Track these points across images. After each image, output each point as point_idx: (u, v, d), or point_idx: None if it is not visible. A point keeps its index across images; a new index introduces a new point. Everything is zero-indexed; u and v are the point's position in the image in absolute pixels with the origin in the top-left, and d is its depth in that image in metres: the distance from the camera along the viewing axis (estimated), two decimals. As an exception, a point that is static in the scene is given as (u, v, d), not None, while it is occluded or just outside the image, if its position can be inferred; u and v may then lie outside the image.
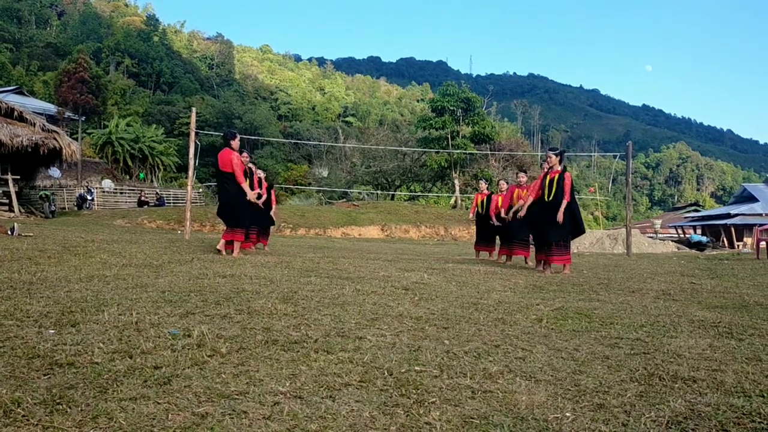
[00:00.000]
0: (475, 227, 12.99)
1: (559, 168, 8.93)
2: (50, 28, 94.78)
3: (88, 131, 48.81)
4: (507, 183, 11.68)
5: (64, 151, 22.70)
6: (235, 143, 9.44)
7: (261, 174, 11.91)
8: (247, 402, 2.37)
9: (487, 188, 12.22)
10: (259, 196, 10.49)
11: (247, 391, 2.50)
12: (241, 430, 2.10)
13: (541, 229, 9.01)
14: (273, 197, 12.45)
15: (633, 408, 2.47)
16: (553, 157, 8.97)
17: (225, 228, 9.60)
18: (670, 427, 2.27)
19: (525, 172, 11.55)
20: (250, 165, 10.95)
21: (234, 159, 9.30)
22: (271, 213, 12.23)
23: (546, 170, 9.09)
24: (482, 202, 12.07)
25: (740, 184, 71.91)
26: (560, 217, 8.59)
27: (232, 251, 9.66)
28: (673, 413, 2.41)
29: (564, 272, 8.71)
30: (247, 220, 9.54)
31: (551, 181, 8.86)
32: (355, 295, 5.36)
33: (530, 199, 9.32)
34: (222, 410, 2.27)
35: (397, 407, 2.40)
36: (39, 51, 74.45)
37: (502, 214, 11.15)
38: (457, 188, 45.43)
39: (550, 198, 8.81)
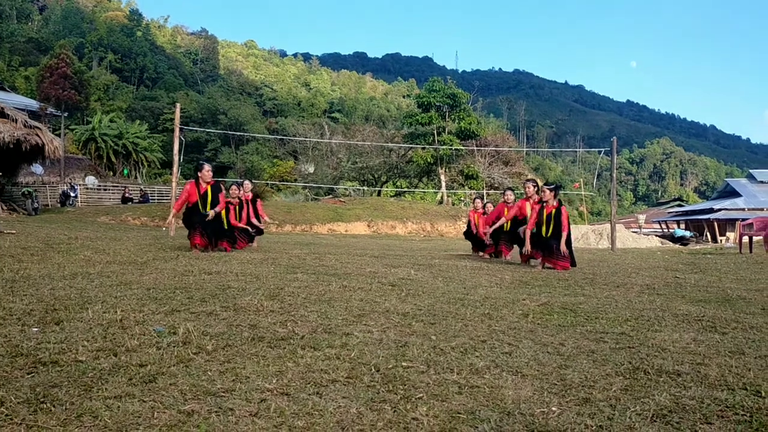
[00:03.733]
0: (466, 236, 13.14)
1: (555, 203, 9.04)
2: (32, 23, 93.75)
3: (70, 127, 48.38)
4: (514, 194, 11.68)
5: (46, 147, 22.50)
6: (202, 173, 9.48)
7: (247, 189, 11.64)
8: (234, 399, 2.36)
9: (483, 207, 12.26)
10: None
11: (234, 389, 2.49)
12: (228, 427, 2.09)
13: (540, 243, 9.14)
14: (259, 209, 12.08)
15: (618, 402, 2.49)
16: (548, 192, 9.08)
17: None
18: (655, 421, 2.29)
19: (512, 190, 11.61)
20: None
21: (188, 192, 9.49)
22: (261, 222, 12.06)
23: (540, 203, 9.22)
24: (477, 219, 12.17)
25: (723, 179, 72.66)
26: (563, 248, 8.81)
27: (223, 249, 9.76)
28: (658, 407, 2.43)
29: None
30: (200, 225, 9.40)
31: (549, 216, 8.99)
32: (342, 292, 5.36)
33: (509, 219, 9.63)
34: (208, 408, 2.26)
35: (384, 403, 2.40)
36: (20, 46, 73.62)
37: (482, 230, 11.44)
38: (444, 184, 45.53)
39: (548, 234, 8.94)
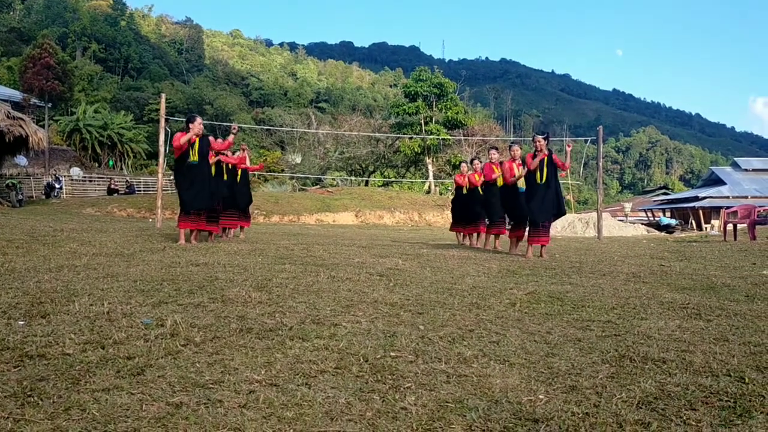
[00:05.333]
0: (451, 209, 13.09)
1: (546, 151, 9.07)
2: (13, 13, 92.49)
3: (55, 118, 47.85)
4: (481, 162, 11.80)
5: (30, 138, 22.30)
6: (194, 125, 9.19)
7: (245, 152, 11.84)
8: (222, 391, 2.37)
9: (468, 171, 12.17)
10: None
11: (222, 380, 2.49)
12: (217, 419, 2.09)
13: (530, 210, 9.13)
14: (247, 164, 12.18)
15: (605, 389, 2.52)
16: (542, 140, 9.13)
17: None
18: (641, 407, 2.31)
19: (496, 149, 11.61)
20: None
21: (176, 137, 9.20)
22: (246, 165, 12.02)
23: (532, 154, 9.20)
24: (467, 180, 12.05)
25: (708, 168, 73.17)
26: (568, 161, 9.12)
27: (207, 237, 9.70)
28: (644, 393, 2.46)
29: (542, 257, 8.81)
30: (195, 205, 9.17)
31: (541, 163, 8.99)
32: (330, 282, 5.36)
33: (519, 174, 9.53)
34: (197, 399, 2.25)
35: (373, 393, 2.41)
36: (2, 36, 72.55)
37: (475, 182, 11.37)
38: (431, 174, 45.57)
39: (542, 180, 8.95)
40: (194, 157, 9.13)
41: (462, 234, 12.51)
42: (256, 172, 23.89)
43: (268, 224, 23.92)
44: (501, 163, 10.61)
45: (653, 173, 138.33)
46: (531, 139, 9.59)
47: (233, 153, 11.42)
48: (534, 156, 9.11)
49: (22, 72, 43.04)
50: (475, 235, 11.84)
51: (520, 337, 3.45)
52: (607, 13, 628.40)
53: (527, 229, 9.38)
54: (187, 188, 9.20)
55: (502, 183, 10.40)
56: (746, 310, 4.41)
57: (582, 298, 4.87)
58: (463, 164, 12.72)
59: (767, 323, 3.92)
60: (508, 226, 10.66)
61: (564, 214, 9.82)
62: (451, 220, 13.30)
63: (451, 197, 13.03)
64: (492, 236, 11.23)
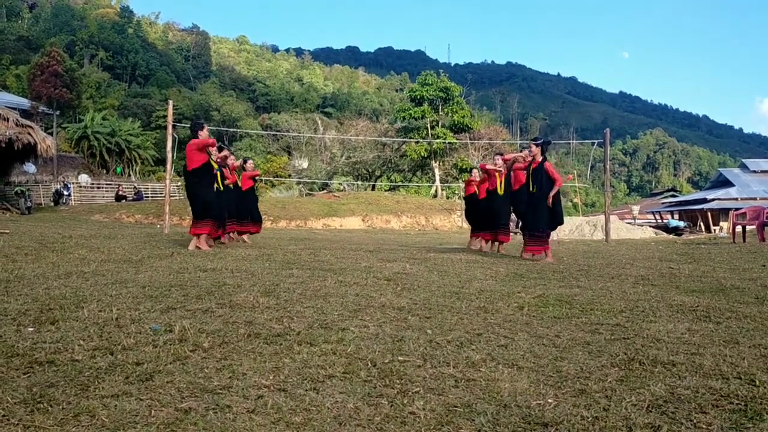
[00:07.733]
0: (466, 217, 13.05)
1: (540, 159, 9.02)
2: (22, 21, 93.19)
3: (63, 125, 48.13)
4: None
5: (39, 146, 22.43)
6: (203, 133, 9.28)
7: (249, 165, 12.05)
8: (231, 396, 2.37)
9: (479, 176, 12.11)
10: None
11: (231, 386, 2.49)
12: (225, 424, 2.09)
13: (524, 219, 9.19)
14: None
15: (614, 393, 2.51)
16: (534, 147, 9.06)
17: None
18: (651, 411, 2.30)
19: (501, 155, 11.53)
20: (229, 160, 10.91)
21: (188, 147, 9.21)
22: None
23: (529, 161, 9.18)
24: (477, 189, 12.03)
25: (716, 169, 72.86)
26: (549, 200, 8.81)
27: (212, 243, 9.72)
28: (654, 397, 2.45)
29: (546, 260, 8.77)
30: (214, 212, 9.30)
31: (534, 171, 8.95)
32: (338, 287, 5.36)
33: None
34: (205, 405, 2.26)
35: (381, 398, 2.41)
36: (11, 44, 73.08)
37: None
38: (438, 178, 45.56)
39: (534, 190, 8.91)
40: (216, 166, 9.48)
41: (478, 239, 12.35)
42: (260, 178, 23.99)
43: (276, 229, 23.94)
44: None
45: (661, 175, 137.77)
46: (528, 144, 9.54)
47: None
48: (529, 164, 9.11)
49: (31, 80, 43.31)
50: (486, 241, 11.74)
51: (529, 340, 3.44)
52: (612, 15, 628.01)
53: (524, 237, 9.40)
54: (214, 195, 9.37)
55: (502, 192, 10.51)
56: (756, 312, 4.38)
57: (590, 302, 4.85)
58: (474, 170, 12.68)
59: (777, 325, 3.89)
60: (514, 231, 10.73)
61: (560, 224, 9.63)
62: (470, 227, 13.13)
63: (463, 206, 13.07)
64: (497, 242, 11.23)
